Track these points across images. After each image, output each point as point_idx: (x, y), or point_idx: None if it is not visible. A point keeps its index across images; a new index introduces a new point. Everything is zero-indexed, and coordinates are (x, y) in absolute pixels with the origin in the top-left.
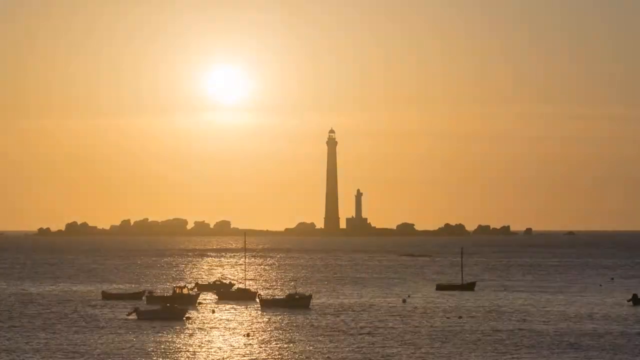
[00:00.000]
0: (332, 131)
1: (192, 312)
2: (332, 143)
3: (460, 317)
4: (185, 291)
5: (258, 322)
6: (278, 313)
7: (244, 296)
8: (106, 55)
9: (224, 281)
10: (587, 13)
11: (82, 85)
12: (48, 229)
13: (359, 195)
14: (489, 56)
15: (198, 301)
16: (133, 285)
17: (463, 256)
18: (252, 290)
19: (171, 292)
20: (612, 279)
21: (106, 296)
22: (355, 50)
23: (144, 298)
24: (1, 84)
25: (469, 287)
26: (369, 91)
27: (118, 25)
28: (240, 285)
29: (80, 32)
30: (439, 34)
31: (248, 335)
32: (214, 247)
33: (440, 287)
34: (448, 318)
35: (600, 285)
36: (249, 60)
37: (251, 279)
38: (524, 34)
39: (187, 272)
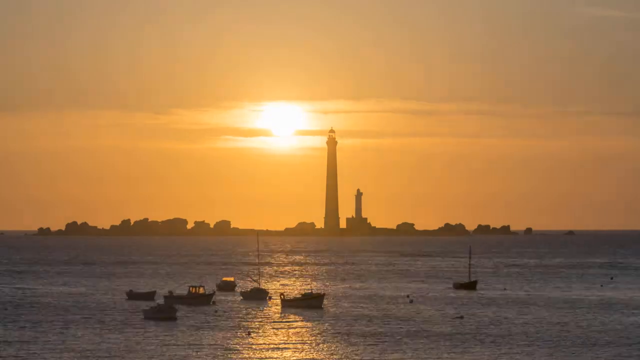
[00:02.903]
0: (332, 131)
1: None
2: (332, 143)
3: (461, 317)
4: (201, 291)
5: (268, 321)
6: (291, 311)
7: (258, 296)
8: (103, 52)
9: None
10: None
11: (82, 83)
12: (48, 228)
13: (359, 195)
14: (490, 56)
15: (212, 300)
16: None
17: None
18: (266, 290)
19: (186, 292)
20: (612, 278)
21: (132, 296)
22: (355, 50)
23: (155, 298)
24: None
25: (472, 285)
26: (370, 91)
27: (123, 20)
28: (255, 285)
29: (91, 27)
30: (441, 34)
31: (249, 333)
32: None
33: (456, 286)
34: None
35: (601, 285)
36: (248, 60)
37: None
38: (526, 34)
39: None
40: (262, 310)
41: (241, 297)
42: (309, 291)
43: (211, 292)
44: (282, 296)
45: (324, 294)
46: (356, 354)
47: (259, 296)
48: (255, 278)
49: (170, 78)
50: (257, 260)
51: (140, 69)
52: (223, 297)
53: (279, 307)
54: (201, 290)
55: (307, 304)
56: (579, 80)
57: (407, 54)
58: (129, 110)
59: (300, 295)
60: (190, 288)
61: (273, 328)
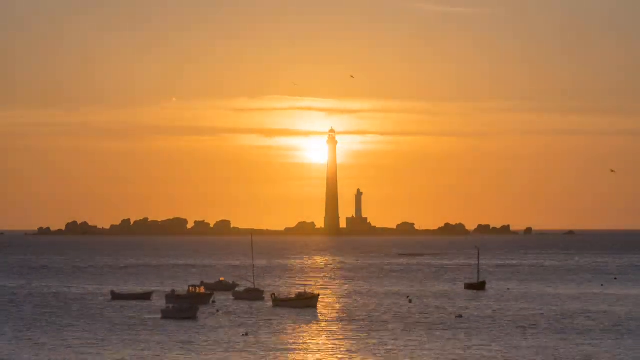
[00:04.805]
0: (332, 130)
1: (204, 310)
2: (332, 142)
3: (460, 316)
4: (200, 290)
5: (264, 321)
6: (285, 312)
7: (254, 296)
8: (98, 51)
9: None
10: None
11: (81, 82)
12: (48, 228)
13: (359, 195)
14: (490, 56)
15: (211, 300)
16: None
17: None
18: (262, 289)
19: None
20: (615, 278)
21: (115, 296)
22: (355, 49)
23: (151, 299)
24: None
25: (481, 285)
26: (370, 90)
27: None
28: (250, 285)
29: (100, 26)
30: (442, 34)
31: (247, 334)
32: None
33: (467, 286)
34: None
35: (602, 284)
36: (246, 60)
37: None
38: (532, 35)
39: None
40: (256, 310)
41: (234, 297)
42: (303, 291)
43: (210, 292)
44: (273, 296)
45: (318, 295)
46: (354, 355)
47: (253, 296)
48: (246, 279)
49: (170, 73)
50: (252, 261)
51: (143, 65)
52: (223, 297)
53: (271, 307)
54: (201, 290)
55: (301, 304)
56: (577, 78)
57: (405, 54)
58: (130, 108)
59: (293, 296)
60: (190, 287)
61: (268, 328)
